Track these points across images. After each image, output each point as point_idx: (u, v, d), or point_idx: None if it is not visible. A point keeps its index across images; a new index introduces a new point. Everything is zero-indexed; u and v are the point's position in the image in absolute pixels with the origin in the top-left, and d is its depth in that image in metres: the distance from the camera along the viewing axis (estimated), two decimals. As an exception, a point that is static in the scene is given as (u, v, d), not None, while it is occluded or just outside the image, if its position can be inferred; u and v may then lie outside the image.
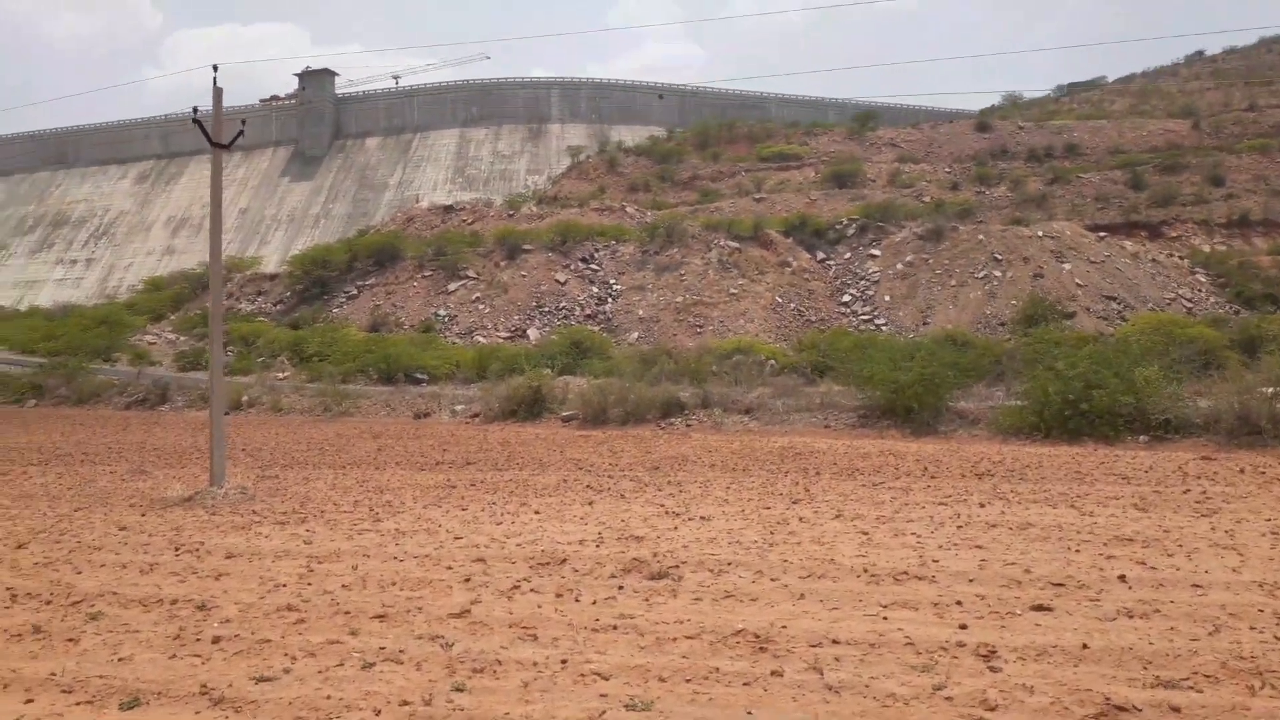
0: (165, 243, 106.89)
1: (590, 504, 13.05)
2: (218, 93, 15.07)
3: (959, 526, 10.98)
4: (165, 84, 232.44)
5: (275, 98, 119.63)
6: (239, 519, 12.46)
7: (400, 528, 11.54)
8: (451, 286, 54.19)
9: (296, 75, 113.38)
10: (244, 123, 15.92)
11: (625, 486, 14.64)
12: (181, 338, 52.92)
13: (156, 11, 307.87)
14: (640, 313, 50.26)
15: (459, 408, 27.58)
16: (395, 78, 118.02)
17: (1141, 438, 18.97)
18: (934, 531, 10.71)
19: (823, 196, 71.60)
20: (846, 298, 51.98)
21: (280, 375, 38.87)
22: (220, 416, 14.90)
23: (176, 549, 10.49)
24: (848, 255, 55.76)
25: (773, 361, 37.19)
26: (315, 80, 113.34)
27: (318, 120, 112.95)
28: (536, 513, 12.42)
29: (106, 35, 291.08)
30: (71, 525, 12.09)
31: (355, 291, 56.11)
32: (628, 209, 66.66)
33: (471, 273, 54.92)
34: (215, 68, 15.12)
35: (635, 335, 48.27)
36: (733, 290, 51.21)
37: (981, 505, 12.36)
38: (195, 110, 15.27)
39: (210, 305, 15.12)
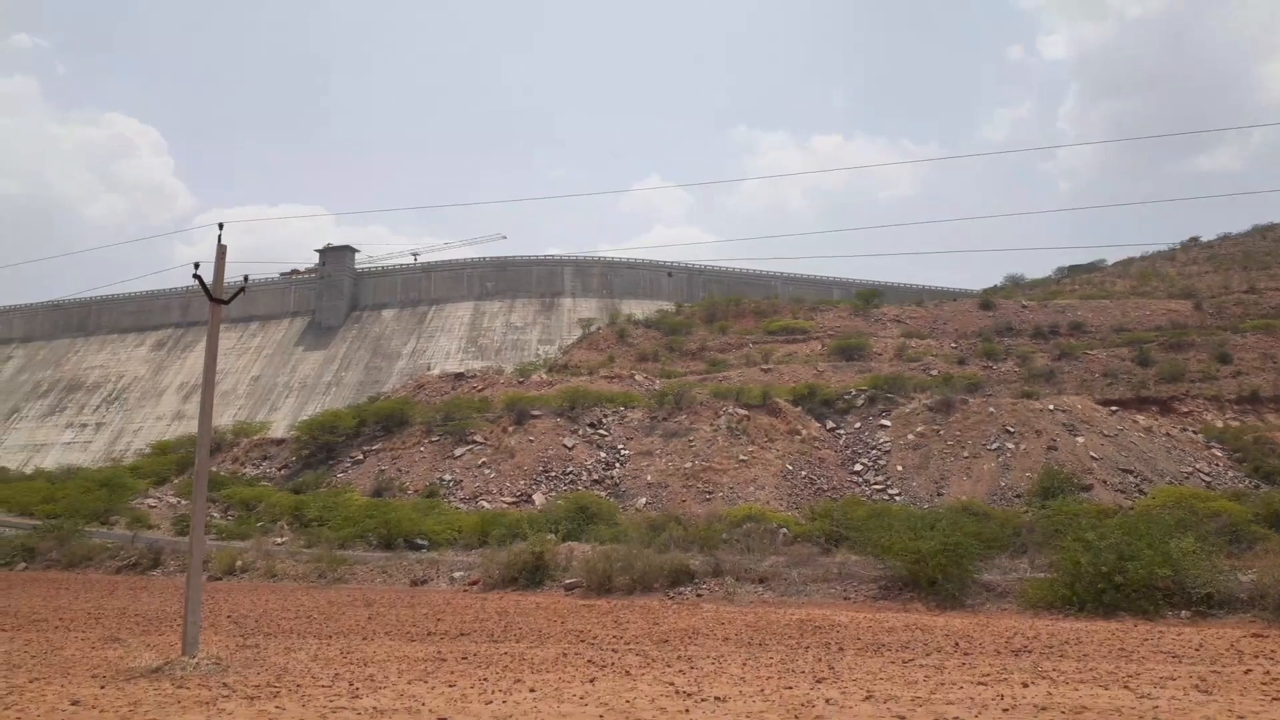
0: (176, 408, 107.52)
1: (592, 681, 11.97)
2: (221, 250, 15.16)
3: (1005, 710, 9.93)
4: (190, 257, 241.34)
5: (295, 271, 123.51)
6: (206, 692, 11.39)
7: (379, 705, 10.51)
8: (458, 451, 53.67)
9: (317, 251, 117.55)
10: (246, 279, 15.85)
11: (631, 662, 13.55)
12: (183, 501, 51.97)
13: (191, 195, 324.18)
14: (649, 478, 49.42)
15: (458, 574, 26.43)
16: (414, 254, 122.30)
17: (1183, 613, 17.83)
18: (978, 715, 9.66)
19: (830, 368, 72.09)
20: (858, 466, 51.17)
21: (279, 540, 37.77)
22: (197, 581, 14.04)
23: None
24: (858, 425, 55.42)
25: (785, 530, 36.08)
26: (335, 255, 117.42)
27: (336, 293, 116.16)
28: (532, 690, 11.35)
29: (138, 214, 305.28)
30: (20, 699, 11.02)
31: (361, 457, 55.59)
32: (636, 377, 67.02)
33: (479, 438, 54.55)
34: (220, 226, 15.12)
35: (643, 500, 47.24)
36: (742, 457, 50.54)
37: (1025, 685, 11.28)
38: (197, 266, 15.10)
39: (196, 464, 14.56)
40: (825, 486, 49.40)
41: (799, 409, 56.70)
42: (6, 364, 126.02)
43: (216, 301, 14.88)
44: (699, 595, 22.21)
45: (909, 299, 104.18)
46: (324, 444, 57.84)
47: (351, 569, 27.97)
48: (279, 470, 56.61)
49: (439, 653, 14.62)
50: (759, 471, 49.69)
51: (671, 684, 11.71)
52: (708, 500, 46.87)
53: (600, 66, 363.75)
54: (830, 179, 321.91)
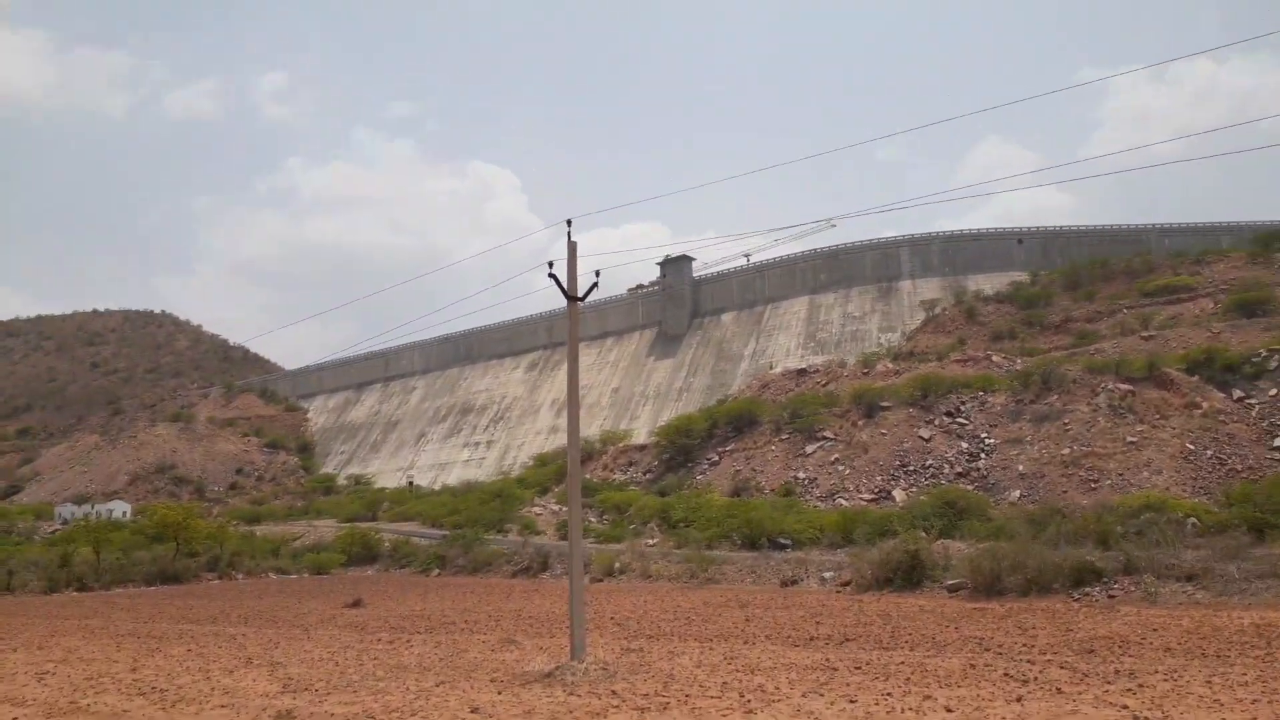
0: (551, 423, 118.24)
1: (1019, 700, 10.39)
2: (572, 247, 15.00)
3: None
4: (548, 285, 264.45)
5: (640, 285, 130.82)
6: (596, 701, 11.30)
7: None
8: (809, 449, 53.28)
9: (658, 264, 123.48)
10: (598, 274, 15.23)
11: (1057, 677, 11.83)
12: (563, 508, 56.75)
13: (545, 227, 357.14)
14: (1020, 468, 45.54)
15: (827, 575, 25.89)
16: (746, 255, 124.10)
17: None
18: None
19: (1228, 329, 61.98)
20: (1281, 441, 43.30)
21: (649, 542, 39.76)
22: (579, 588, 14.25)
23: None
24: (1274, 392, 46.97)
25: (1194, 520, 31.34)
26: (675, 266, 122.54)
27: (678, 302, 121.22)
28: (949, 710, 10.02)
29: (503, 251, 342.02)
30: (427, 704, 11.47)
31: (716, 458, 57.14)
32: (993, 358, 62.32)
33: (829, 434, 53.76)
34: (569, 222, 15.11)
35: (1016, 493, 43.58)
36: (1130, 439, 44.89)
37: None
38: (551, 265, 14.77)
39: (568, 473, 14.70)
40: (1239, 467, 42.37)
41: (1195, 379, 49.37)
42: (413, 394, 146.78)
43: (571, 299, 14.86)
44: (1110, 596, 19.73)
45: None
46: (681, 447, 60.29)
47: (721, 569, 28.53)
48: (643, 475, 59.83)
49: (827, 660, 13.94)
50: (1152, 454, 43.84)
51: (1125, 707, 9.95)
52: (1093, 489, 42.16)
53: (913, 20, 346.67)
54: (1204, 113, 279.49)
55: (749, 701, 10.88)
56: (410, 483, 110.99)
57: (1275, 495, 31.85)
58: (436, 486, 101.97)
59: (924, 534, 27.54)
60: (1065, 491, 42.49)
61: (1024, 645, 14.60)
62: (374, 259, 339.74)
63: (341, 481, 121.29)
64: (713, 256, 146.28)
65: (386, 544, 52.10)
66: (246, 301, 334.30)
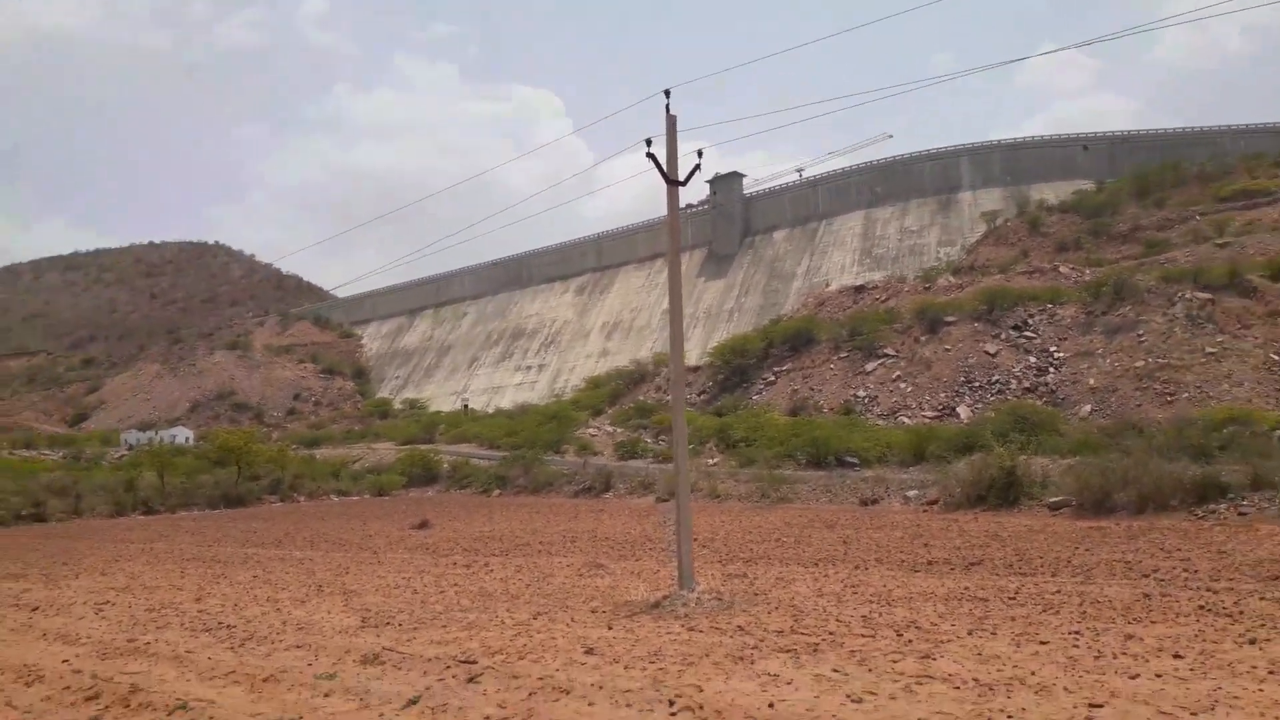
0: (601, 346, 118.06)
1: (1253, 643, 8.69)
2: (671, 121, 13.19)
3: None
4: (596, 209, 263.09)
5: (689, 205, 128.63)
6: (727, 639, 9.77)
7: (969, 671, 7.99)
8: (869, 366, 52.08)
9: (708, 181, 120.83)
10: (700, 154, 13.48)
11: (1263, 609, 10.25)
12: (618, 429, 56.56)
13: (589, 150, 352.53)
14: (1091, 381, 43.96)
15: (911, 493, 25.06)
16: (799, 170, 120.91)
17: None
18: None
19: (1314, 233, 58.90)
20: (1377, 350, 41.09)
21: (710, 461, 39.30)
22: (687, 512, 13.02)
23: (670, 701, 7.48)
24: (1366, 299, 44.51)
25: (1281, 433, 29.81)
26: (725, 184, 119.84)
27: (728, 221, 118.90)
28: (1177, 656, 8.28)
29: (553, 176, 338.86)
30: (531, 642, 10.20)
31: (772, 378, 56.24)
32: (1060, 269, 60.00)
33: (890, 351, 52.43)
34: (667, 93, 13.04)
35: (1087, 408, 42.12)
36: (1210, 349, 42.96)
37: None
38: (649, 143, 12.99)
39: (671, 381, 13.25)
40: (1327, 377, 40.38)
41: (1279, 286, 46.90)
42: (464, 319, 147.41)
43: (672, 182, 13.42)
44: (1241, 514, 18.44)
45: None
46: (736, 368, 59.46)
47: (794, 488, 27.87)
48: (698, 396, 59.23)
49: (967, 589, 12.49)
50: (1233, 365, 41.94)
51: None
52: (1169, 403, 40.52)
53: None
54: (1273, 8, 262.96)
55: (910, 642, 9.32)
56: (465, 406, 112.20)
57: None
58: (490, 410, 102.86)
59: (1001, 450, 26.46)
60: (1139, 405, 40.94)
61: (1183, 570, 13.32)
62: (424, 183, 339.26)
63: (397, 406, 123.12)
64: (764, 174, 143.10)
65: (446, 465, 52.51)
66: (297, 228, 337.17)
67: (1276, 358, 41.65)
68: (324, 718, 7.57)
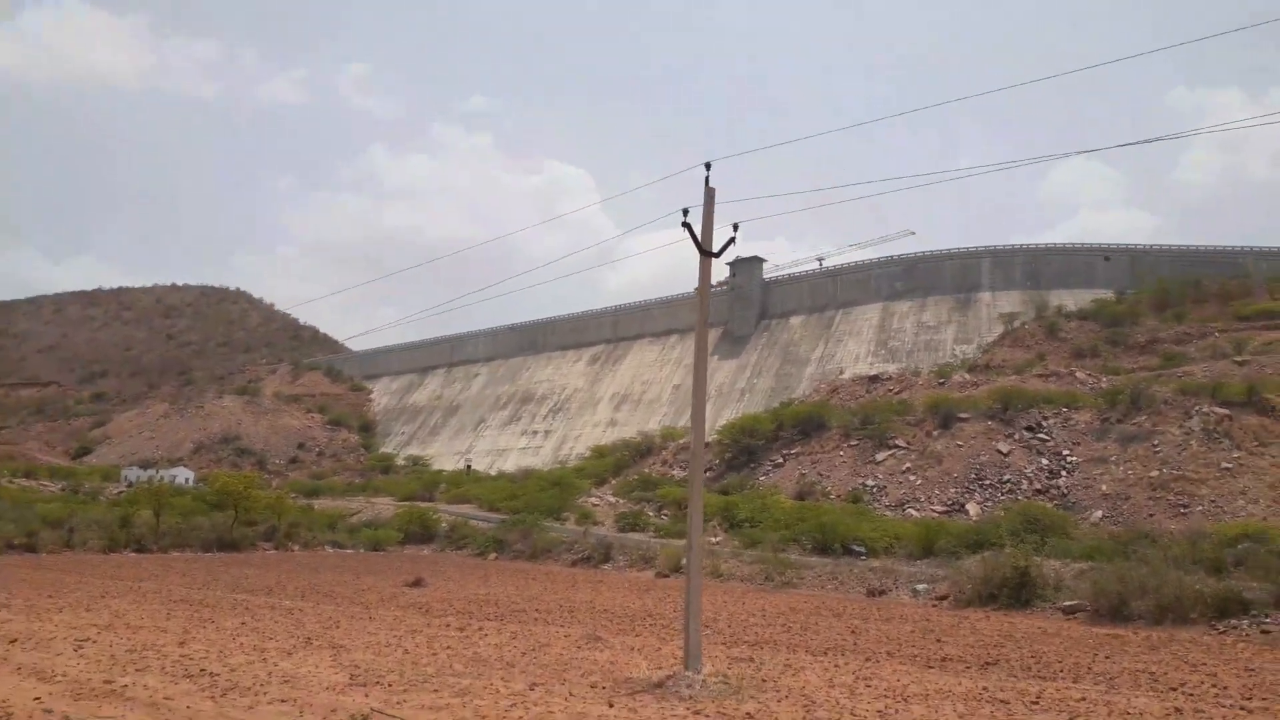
0: (609, 416, 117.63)
1: None
2: (710, 193, 12.98)
3: None
4: (616, 281, 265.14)
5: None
6: None
7: None
8: (879, 456, 51.57)
9: (728, 264, 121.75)
10: (736, 228, 13.26)
11: None
12: (621, 500, 55.88)
13: (614, 227, 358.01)
14: (1104, 487, 43.32)
15: (920, 586, 24.39)
16: (819, 259, 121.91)
17: None
18: None
19: (1333, 357, 58.59)
20: (1398, 478, 40.38)
21: (713, 540, 38.60)
22: (697, 592, 12.47)
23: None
24: (1385, 427, 43.98)
25: (1297, 553, 29.07)
26: (745, 267, 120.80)
27: (746, 303, 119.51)
28: None
29: (573, 246, 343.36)
30: (527, 715, 9.83)
31: (781, 460, 55.72)
32: (1077, 374, 59.74)
33: (901, 442, 51.96)
34: (708, 165, 12.82)
35: (1098, 514, 41.43)
36: (1225, 464, 42.40)
37: None
38: (685, 213, 12.78)
39: (690, 461, 12.69)
40: (1344, 501, 39.64)
41: (1299, 406, 46.45)
42: (475, 380, 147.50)
43: (705, 253, 13.15)
44: (1264, 631, 17.81)
45: None
46: (744, 447, 58.98)
47: (799, 573, 27.19)
48: (705, 473, 58.51)
49: (985, 690, 11.97)
50: (1249, 482, 41.36)
51: None
52: (1182, 514, 39.86)
53: (999, 28, 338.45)
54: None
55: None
56: (468, 466, 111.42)
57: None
58: (493, 471, 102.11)
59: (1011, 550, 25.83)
60: (1151, 515, 40.26)
61: (1212, 687, 12.71)
62: (450, 247, 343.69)
63: (400, 461, 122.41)
64: (784, 260, 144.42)
65: (444, 524, 51.82)
66: (320, 282, 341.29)
67: (1294, 478, 40.99)
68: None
